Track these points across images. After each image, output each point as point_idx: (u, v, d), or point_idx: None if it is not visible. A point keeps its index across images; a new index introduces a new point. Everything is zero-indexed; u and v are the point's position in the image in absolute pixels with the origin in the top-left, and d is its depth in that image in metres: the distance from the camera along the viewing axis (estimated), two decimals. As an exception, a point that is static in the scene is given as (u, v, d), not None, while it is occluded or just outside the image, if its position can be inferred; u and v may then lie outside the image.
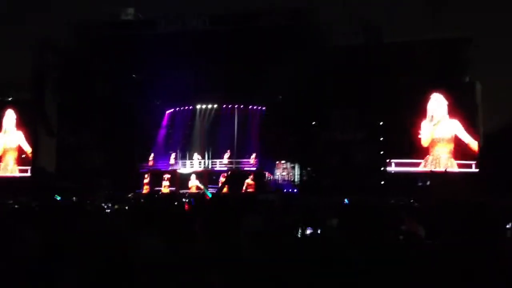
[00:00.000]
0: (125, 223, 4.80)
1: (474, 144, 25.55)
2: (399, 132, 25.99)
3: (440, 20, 26.51)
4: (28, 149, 31.51)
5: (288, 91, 26.37)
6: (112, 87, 29.67)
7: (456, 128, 25.76)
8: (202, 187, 25.33)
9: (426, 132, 26.10)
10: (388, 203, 11.05)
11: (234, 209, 5.65)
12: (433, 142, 26.04)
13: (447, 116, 25.96)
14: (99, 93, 29.70)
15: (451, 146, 25.77)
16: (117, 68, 29.19)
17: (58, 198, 11.99)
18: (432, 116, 26.15)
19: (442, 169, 24.86)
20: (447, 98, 26.01)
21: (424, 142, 26.08)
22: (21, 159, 31.65)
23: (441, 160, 25.76)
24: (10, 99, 32.64)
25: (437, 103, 26.12)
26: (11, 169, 31.80)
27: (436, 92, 26.13)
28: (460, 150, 25.60)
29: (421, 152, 26.16)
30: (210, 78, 27.61)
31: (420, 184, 25.13)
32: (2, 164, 32.00)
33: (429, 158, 26.00)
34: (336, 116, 27.60)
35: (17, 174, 31.38)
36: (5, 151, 32.03)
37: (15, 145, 31.82)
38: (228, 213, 4.89)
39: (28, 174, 31.06)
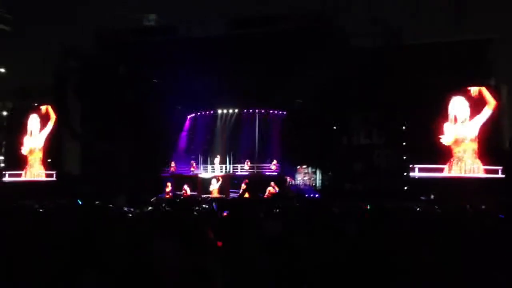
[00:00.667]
0: (146, 230, 4.81)
1: (500, 142, 24.94)
2: (422, 136, 25.55)
3: (464, 21, 26.16)
4: (53, 149, 32.12)
5: (310, 95, 26.24)
6: (134, 92, 29.98)
7: (480, 128, 25.18)
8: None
9: (449, 133, 25.54)
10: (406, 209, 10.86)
11: (253, 214, 5.62)
12: (456, 142, 25.46)
13: (470, 116, 25.39)
14: (122, 98, 30.04)
15: (475, 146, 25.17)
16: (139, 73, 29.49)
17: (80, 202, 12.13)
18: (455, 117, 25.57)
19: (468, 174, 24.34)
20: (471, 100, 25.46)
21: (447, 142, 25.49)
22: (47, 163, 32.22)
23: (467, 163, 25.18)
24: (35, 104, 33.30)
25: (459, 103, 25.59)
26: (37, 173, 32.39)
27: (459, 94, 25.61)
28: (485, 151, 24.96)
29: (445, 157, 25.60)
30: (231, 83, 27.67)
31: (443, 189, 24.63)
32: (29, 168, 32.63)
33: (453, 161, 25.43)
34: (358, 120, 27.36)
35: (44, 178, 31.92)
36: (31, 153, 32.68)
37: (40, 147, 32.46)
38: (247, 218, 4.87)
39: (54, 178, 31.55)
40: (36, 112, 32.89)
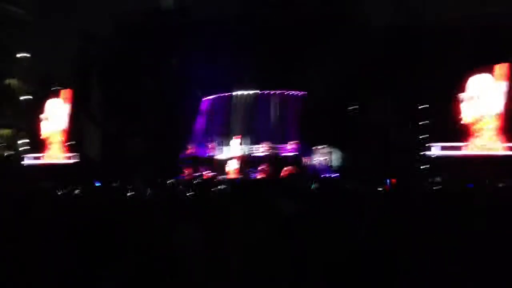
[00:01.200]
0: (163, 214, 4.84)
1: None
2: (441, 114, 25.20)
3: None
4: (73, 132, 32.52)
5: (327, 76, 25.97)
6: (152, 77, 30.07)
7: (500, 104, 24.70)
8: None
9: (468, 109, 25.13)
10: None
11: (269, 194, 5.61)
12: (476, 120, 25.08)
13: (490, 93, 24.89)
14: (140, 81, 30.18)
15: (495, 123, 24.75)
16: (157, 56, 29.53)
17: (98, 184, 12.28)
18: (474, 93, 25.11)
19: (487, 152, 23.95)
20: (490, 78, 24.93)
21: (466, 119, 25.11)
22: (68, 146, 32.67)
23: (487, 139, 24.79)
24: (54, 88, 33.67)
25: (479, 80, 25.09)
26: (57, 155, 32.87)
27: (478, 72, 25.09)
28: (505, 129, 24.53)
29: (464, 135, 25.25)
30: (249, 64, 27.53)
31: (461, 167, 24.31)
32: (49, 151, 33.13)
33: (473, 139, 25.06)
34: (375, 99, 27.03)
35: (63, 161, 32.39)
36: (50, 137, 33.17)
37: (59, 130, 32.89)
38: (263, 198, 4.86)
39: (76, 160, 31.97)
40: (56, 96, 33.30)
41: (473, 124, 25.17)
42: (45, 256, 3.95)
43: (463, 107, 25.22)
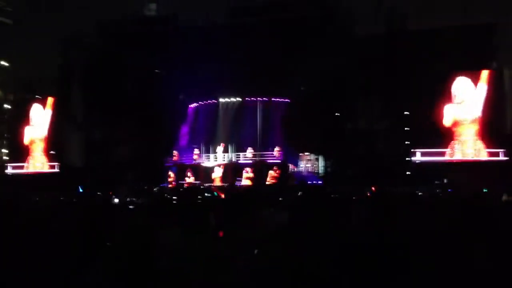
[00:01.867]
0: (148, 219, 4.80)
1: (503, 125, 24.86)
2: (424, 120, 25.50)
3: (467, 5, 25.89)
4: (55, 139, 32.17)
5: (312, 82, 26.12)
6: (137, 82, 29.94)
7: (481, 108, 25.05)
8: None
9: (449, 113, 25.45)
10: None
11: (257, 203, 5.59)
12: (456, 123, 25.38)
13: (472, 97, 25.25)
14: (125, 88, 30.02)
15: (476, 127, 25.09)
16: (141, 63, 29.41)
17: (81, 190, 12.15)
18: (455, 97, 25.47)
19: (469, 157, 24.28)
20: (471, 83, 25.30)
21: (447, 122, 25.40)
22: (50, 155, 32.29)
23: (468, 144, 25.10)
24: (36, 96, 33.34)
25: (461, 84, 25.46)
26: (40, 164, 32.48)
27: (460, 77, 25.46)
28: (487, 133, 24.87)
29: (447, 140, 25.54)
30: (233, 71, 27.58)
31: (445, 173, 24.60)
32: (32, 159, 32.72)
33: (455, 144, 25.35)
34: (360, 105, 27.26)
35: (47, 170, 32.02)
36: (32, 143, 32.81)
37: (41, 137, 32.57)
38: (251, 208, 4.83)
39: (57, 170, 31.64)
40: (37, 103, 32.97)
41: (454, 129, 25.48)
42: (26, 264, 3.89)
43: (445, 112, 25.51)
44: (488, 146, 24.82)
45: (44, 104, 32.74)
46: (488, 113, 24.89)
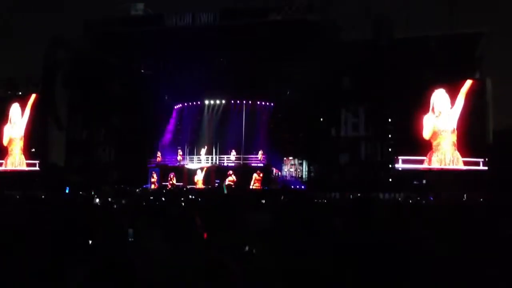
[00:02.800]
0: (129, 221, 4.77)
1: (482, 135, 25.23)
2: (408, 129, 25.82)
3: (453, 16, 26.23)
4: (35, 138, 31.72)
5: (297, 87, 26.24)
6: (121, 82, 29.73)
7: (459, 119, 25.44)
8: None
9: (428, 125, 25.82)
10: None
11: (242, 207, 5.60)
12: (435, 135, 25.74)
13: (449, 108, 25.63)
14: (109, 88, 29.77)
15: (454, 138, 25.48)
16: (126, 63, 29.23)
17: (67, 190, 12.03)
18: (433, 109, 25.85)
19: (447, 166, 24.65)
20: (456, 94, 25.67)
21: (426, 135, 25.79)
22: (31, 153, 31.84)
23: (446, 155, 25.49)
24: (19, 93, 32.87)
25: (439, 96, 25.85)
26: (18, 161, 32.05)
27: (444, 87, 25.84)
28: (466, 142, 25.26)
29: (427, 149, 25.91)
30: (219, 74, 27.57)
31: (427, 180, 24.90)
32: (10, 157, 32.26)
33: (433, 153, 25.73)
34: (345, 112, 27.44)
35: (25, 168, 31.57)
36: (11, 141, 32.37)
37: (20, 136, 32.15)
38: (235, 211, 4.84)
39: (37, 168, 31.22)
40: (17, 101, 32.54)
41: (433, 138, 25.82)
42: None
43: (424, 123, 25.85)
44: (467, 156, 25.18)
45: (24, 102, 32.31)
46: (468, 124, 25.26)
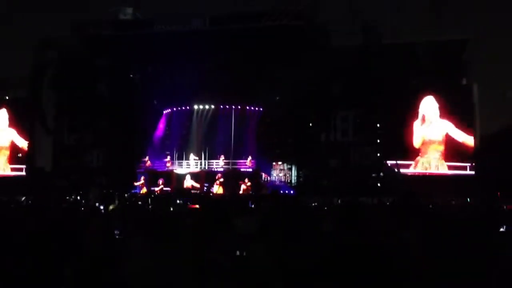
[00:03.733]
0: (117, 226, 4.75)
1: (469, 141, 25.46)
2: (397, 134, 26.02)
3: (440, 21, 26.52)
4: (23, 145, 31.32)
5: (286, 92, 26.32)
6: (110, 86, 29.60)
7: (447, 128, 25.67)
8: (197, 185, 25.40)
9: (418, 134, 26.02)
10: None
11: (228, 211, 5.59)
12: (424, 144, 25.97)
13: (438, 117, 25.86)
14: (97, 92, 29.61)
15: (441, 148, 25.74)
16: (115, 67, 29.10)
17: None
18: (423, 117, 26.09)
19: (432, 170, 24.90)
20: (444, 100, 25.93)
21: (416, 144, 26.03)
22: (17, 158, 31.51)
23: (432, 162, 25.74)
24: (6, 98, 32.55)
25: (428, 104, 26.08)
26: (3, 167, 31.65)
27: (432, 93, 26.09)
28: (453, 151, 25.51)
29: (416, 154, 26.16)
30: (208, 79, 27.55)
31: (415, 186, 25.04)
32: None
33: (419, 159, 25.93)
34: (334, 117, 27.58)
35: (10, 173, 31.21)
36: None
37: (7, 144, 31.72)
38: (221, 215, 4.84)
39: (23, 173, 30.90)
40: (4, 106, 32.15)
41: (422, 144, 26.03)
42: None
43: (415, 131, 26.06)
44: (454, 160, 25.44)
45: (12, 106, 31.95)
46: (453, 129, 25.52)
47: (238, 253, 3.65)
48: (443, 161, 25.56)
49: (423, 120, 26.05)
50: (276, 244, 3.63)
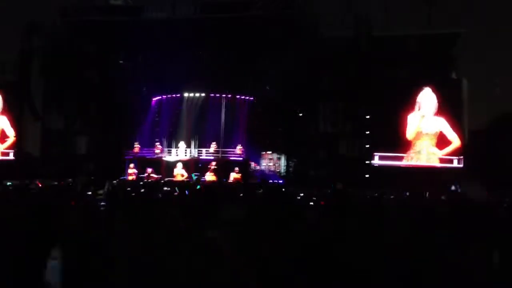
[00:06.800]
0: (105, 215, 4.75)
1: (457, 142, 25.65)
2: (386, 125, 26.08)
3: (432, 15, 26.56)
4: (11, 133, 30.98)
5: (277, 82, 26.30)
6: (99, 72, 29.37)
7: (442, 125, 25.81)
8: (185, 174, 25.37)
9: (413, 125, 26.07)
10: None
11: (217, 199, 5.62)
12: (418, 136, 26.06)
13: (435, 112, 25.95)
14: (86, 78, 29.38)
15: (434, 142, 25.86)
16: (104, 53, 28.85)
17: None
18: (419, 109, 26.07)
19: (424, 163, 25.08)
20: (437, 95, 26.02)
21: (410, 135, 26.08)
22: (4, 143, 31.15)
23: (422, 155, 25.86)
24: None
25: (427, 97, 26.07)
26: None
27: (426, 86, 26.12)
28: (441, 141, 25.67)
29: (406, 146, 26.22)
30: (199, 67, 27.43)
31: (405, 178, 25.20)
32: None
33: (411, 152, 26.07)
34: (324, 108, 27.66)
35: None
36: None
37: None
38: (210, 203, 4.86)
39: (11, 157, 30.57)
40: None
41: (415, 139, 26.13)
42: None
43: (409, 123, 26.11)
44: (443, 154, 25.62)
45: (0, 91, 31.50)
46: (446, 126, 25.64)
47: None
48: (436, 157, 25.61)
49: (420, 111, 25.90)
50: (260, 233, 3.66)
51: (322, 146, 27.35)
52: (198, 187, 9.84)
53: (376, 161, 26.30)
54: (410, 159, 25.97)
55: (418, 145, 25.97)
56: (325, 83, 26.62)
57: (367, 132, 27.00)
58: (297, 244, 3.49)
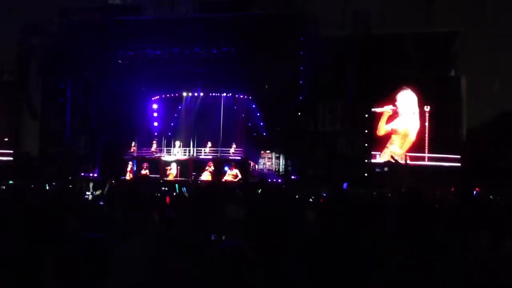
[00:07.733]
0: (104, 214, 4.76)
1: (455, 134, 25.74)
2: (380, 125, 26.22)
3: (430, 13, 26.59)
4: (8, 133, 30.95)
5: (275, 81, 26.27)
6: (97, 72, 29.33)
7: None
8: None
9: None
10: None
11: (216, 197, 5.64)
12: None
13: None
14: (84, 77, 29.33)
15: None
16: (103, 52, 28.82)
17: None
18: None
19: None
20: (431, 91, 26.06)
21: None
22: (3, 143, 31.12)
23: (385, 153, 26.13)
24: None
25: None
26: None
27: (420, 85, 26.19)
28: (439, 140, 25.73)
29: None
30: (197, 66, 27.44)
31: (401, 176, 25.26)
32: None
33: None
34: (323, 107, 27.64)
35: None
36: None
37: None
38: (210, 201, 4.88)
39: (10, 158, 30.56)
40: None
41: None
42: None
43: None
44: (441, 153, 25.65)
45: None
46: (442, 121, 25.69)
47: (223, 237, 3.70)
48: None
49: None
50: (260, 231, 3.67)
51: (321, 145, 27.33)
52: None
53: (377, 159, 26.49)
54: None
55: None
56: (323, 81, 26.57)
57: (366, 131, 27.03)
58: (297, 244, 3.50)
